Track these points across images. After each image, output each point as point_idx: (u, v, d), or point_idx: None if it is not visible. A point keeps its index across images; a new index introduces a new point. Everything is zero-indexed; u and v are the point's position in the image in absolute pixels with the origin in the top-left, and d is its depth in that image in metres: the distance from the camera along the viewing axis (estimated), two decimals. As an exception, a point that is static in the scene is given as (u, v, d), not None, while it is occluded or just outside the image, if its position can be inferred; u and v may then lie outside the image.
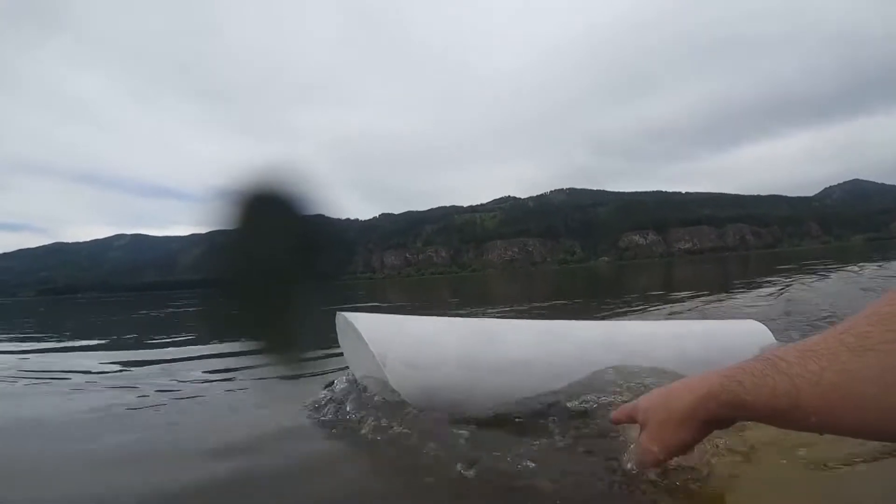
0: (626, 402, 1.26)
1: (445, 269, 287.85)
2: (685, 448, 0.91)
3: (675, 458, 0.96)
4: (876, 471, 1.09)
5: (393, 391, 1.60)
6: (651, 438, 0.94)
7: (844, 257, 13.85)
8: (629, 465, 1.06)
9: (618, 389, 1.61)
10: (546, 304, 7.72)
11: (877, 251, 16.63)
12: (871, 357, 0.64)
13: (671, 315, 4.52)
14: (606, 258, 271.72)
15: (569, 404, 1.59)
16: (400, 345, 1.66)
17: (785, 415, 0.73)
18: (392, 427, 1.51)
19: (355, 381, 1.88)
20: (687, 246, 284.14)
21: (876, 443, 1.10)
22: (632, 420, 1.03)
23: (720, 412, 0.81)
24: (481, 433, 1.43)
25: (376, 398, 1.66)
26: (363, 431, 1.54)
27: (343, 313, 1.82)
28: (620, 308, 5.55)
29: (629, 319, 4.21)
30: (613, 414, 1.11)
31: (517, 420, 1.58)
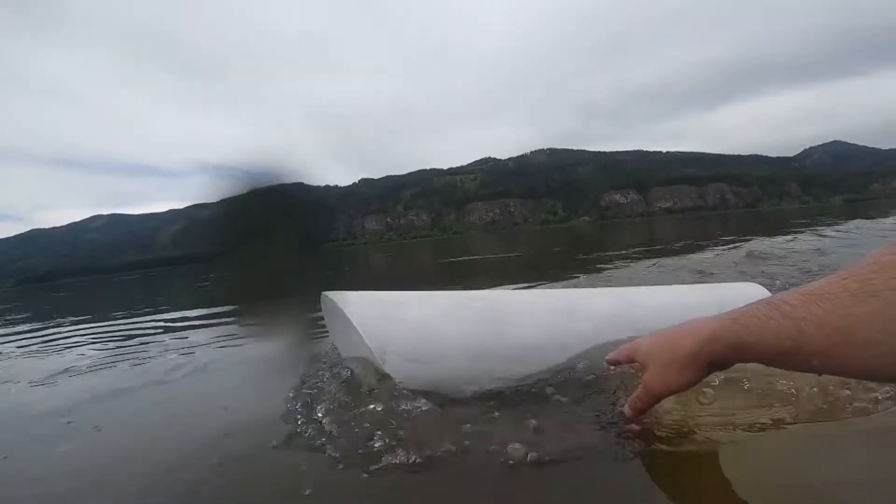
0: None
1: (427, 233, 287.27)
2: (686, 388, 0.94)
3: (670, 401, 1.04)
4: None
5: (382, 376, 1.41)
6: (653, 378, 0.97)
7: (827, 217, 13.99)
8: (624, 409, 1.09)
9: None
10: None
11: (857, 211, 16.72)
12: (874, 302, 0.68)
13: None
14: (588, 217, 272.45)
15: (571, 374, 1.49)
16: (399, 336, 1.47)
17: (788, 356, 0.76)
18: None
19: (340, 364, 1.75)
20: (667, 205, 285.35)
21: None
22: (630, 361, 1.07)
23: (724, 353, 0.85)
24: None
25: (362, 390, 1.45)
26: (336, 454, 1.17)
27: (329, 294, 1.65)
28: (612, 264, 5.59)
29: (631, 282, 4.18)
30: (610, 355, 1.13)
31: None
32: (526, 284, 4.44)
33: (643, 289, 2.01)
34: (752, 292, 1.92)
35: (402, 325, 1.50)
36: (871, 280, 0.69)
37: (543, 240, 19.80)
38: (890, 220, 9.31)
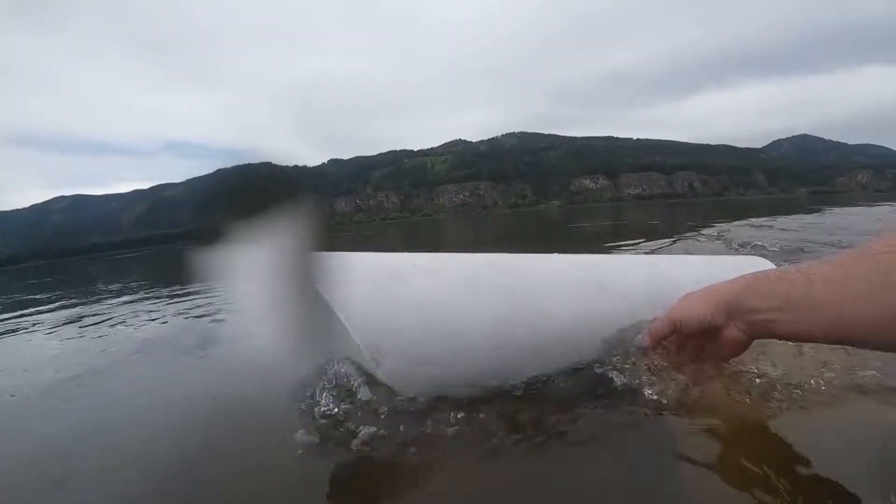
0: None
1: (396, 215, 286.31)
2: (700, 319, 0.93)
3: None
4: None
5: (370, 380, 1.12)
6: (674, 307, 0.99)
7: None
8: (639, 338, 1.09)
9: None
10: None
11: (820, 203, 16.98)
12: (871, 263, 0.75)
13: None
14: (557, 202, 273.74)
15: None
16: (401, 327, 1.08)
17: (797, 308, 0.82)
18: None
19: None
20: (636, 191, 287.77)
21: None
22: (673, 329, 1.00)
23: (741, 294, 0.89)
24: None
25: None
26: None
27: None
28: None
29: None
30: (647, 337, 1.06)
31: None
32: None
33: (672, 259, 1.80)
34: (758, 265, 1.64)
35: (405, 311, 1.10)
36: (870, 246, 0.76)
37: (517, 224, 19.84)
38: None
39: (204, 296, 4.00)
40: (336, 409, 1.12)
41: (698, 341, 0.99)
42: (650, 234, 7.15)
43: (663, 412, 1.06)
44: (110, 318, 3.45)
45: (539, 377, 1.19)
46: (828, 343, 0.85)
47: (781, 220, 7.58)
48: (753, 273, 0.90)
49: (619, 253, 4.87)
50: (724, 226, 7.28)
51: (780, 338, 0.89)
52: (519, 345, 1.16)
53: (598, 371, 1.19)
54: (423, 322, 1.09)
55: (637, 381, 1.13)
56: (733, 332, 0.92)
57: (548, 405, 1.12)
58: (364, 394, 1.11)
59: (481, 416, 1.09)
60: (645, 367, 1.12)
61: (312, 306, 1.10)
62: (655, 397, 1.09)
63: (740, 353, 0.96)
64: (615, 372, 1.16)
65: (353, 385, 1.14)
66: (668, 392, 1.09)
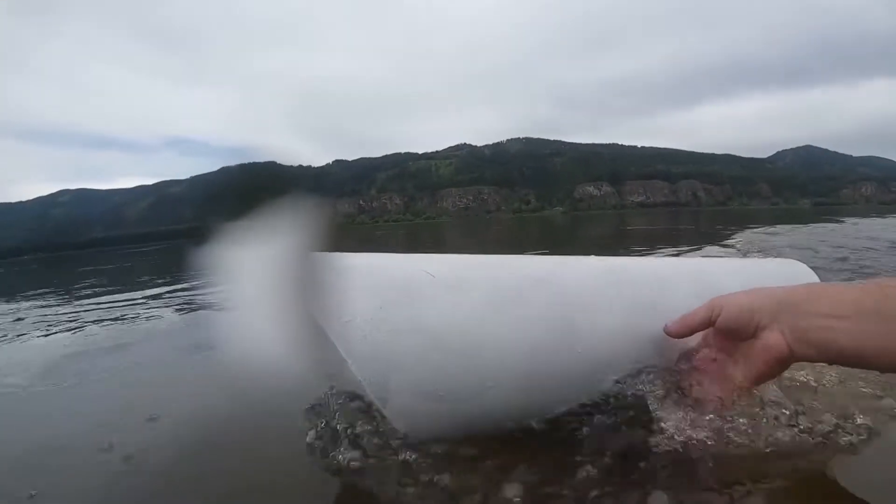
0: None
1: (400, 217, 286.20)
2: (737, 312, 0.81)
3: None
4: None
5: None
6: (715, 298, 0.87)
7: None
8: (667, 325, 0.92)
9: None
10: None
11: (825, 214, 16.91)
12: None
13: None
14: (561, 208, 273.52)
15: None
16: (413, 357, 0.87)
17: (827, 319, 0.72)
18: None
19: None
20: (640, 199, 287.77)
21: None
22: (710, 316, 0.86)
23: (802, 294, 0.78)
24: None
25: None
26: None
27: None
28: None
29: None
30: (676, 324, 0.92)
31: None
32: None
33: (718, 264, 1.45)
34: (795, 269, 1.43)
35: (417, 336, 0.88)
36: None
37: (522, 230, 19.79)
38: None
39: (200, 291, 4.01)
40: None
41: (728, 347, 0.86)
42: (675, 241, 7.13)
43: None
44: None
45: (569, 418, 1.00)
46: (893, 369, 0.71)
47: (809, 230, 7.56)
48: (819, 283, 0.79)
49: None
50: (749, 234, 7.12)
51: (832, 356, 0.73)
52: (555, 377, 0.96)
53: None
54: (440, 351, 0.88)
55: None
56: (775, 337, 0.76)
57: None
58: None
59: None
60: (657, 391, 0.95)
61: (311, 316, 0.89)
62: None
63: (774, 373, 0.80)
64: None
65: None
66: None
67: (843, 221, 9.92)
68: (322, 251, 0.91)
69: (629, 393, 0.98)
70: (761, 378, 0.81)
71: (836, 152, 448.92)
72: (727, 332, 0.85)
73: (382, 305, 0.88)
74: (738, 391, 0.85)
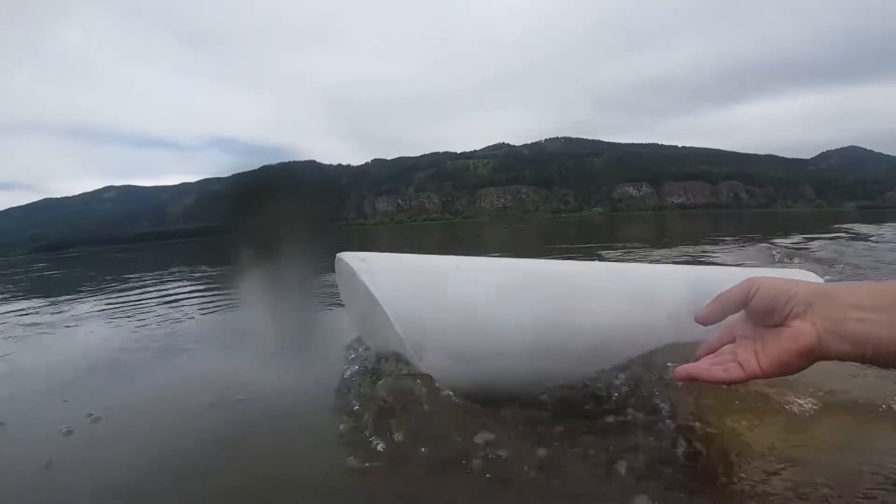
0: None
1: (437, 216, 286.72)
2: (774, 293, 0.78)
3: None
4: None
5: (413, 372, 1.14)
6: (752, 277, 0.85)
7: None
8: (703, 312, 0.91)
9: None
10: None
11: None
12: None
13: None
14: (600, 209, 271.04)
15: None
16: (442, 325, 1.14)
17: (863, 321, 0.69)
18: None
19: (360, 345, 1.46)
20: (680, 200, 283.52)
21: None
22: (747, 295, 0.84)
23: (840, 287, 0.76)
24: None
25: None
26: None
27: (346, 257, 1.26)
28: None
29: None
30: (711, 308, 0.90)
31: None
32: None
33: (715, 269, 1.61)
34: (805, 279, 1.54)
35: (445, 311, 1.16)
36: None
37: (560, 230, 19.72)
38: None
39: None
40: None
41: (753, 332, 0.84)
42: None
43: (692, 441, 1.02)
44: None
45: (570, 387, 1.23)
46: None
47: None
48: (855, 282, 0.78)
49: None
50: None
51: (868, 351, 0.69)
52: (556, 348, 1.20)
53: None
54: (462, 320, 1.15)
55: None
56: (805, 328, 0.74)
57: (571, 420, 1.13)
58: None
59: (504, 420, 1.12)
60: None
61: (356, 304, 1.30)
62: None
63: (795, 366, 0.76)
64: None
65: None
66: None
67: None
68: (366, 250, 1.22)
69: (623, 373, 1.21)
70: (781, 369, 0.78)
71: (880, 153, 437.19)
72: (759, 313, 0.82)
73: (421, 285, 1.18)
74: (752, 379, 0.81)
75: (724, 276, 1.46)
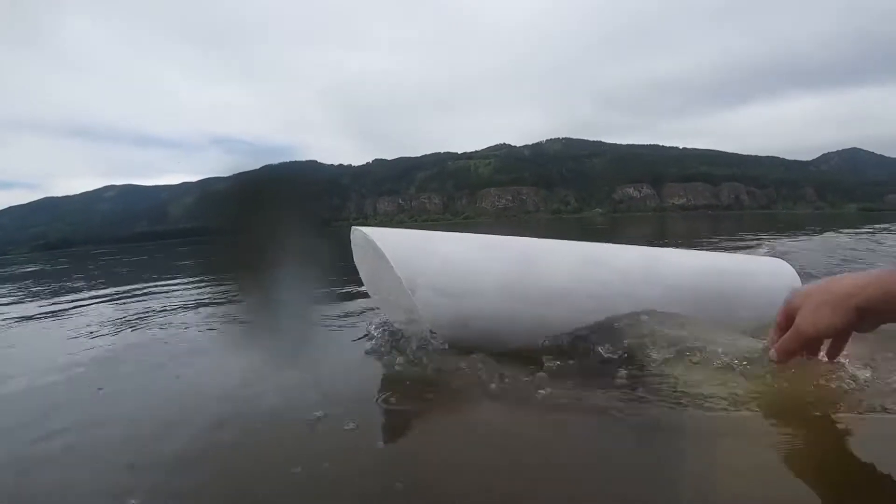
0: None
1: (438, 217, 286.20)
2: (833, 332, 0.94)
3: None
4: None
5: (413, 318, 1.50)
6: (803, 319, 0.95)
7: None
8: (771, 354, 1.06)
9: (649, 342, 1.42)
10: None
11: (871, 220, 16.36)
12: None
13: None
14: (600, 210, 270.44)
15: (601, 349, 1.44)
16: (430, 268, 1.48)
17: None
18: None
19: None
20: (681, 202, 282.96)
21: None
22: (805, 345, 1.01)
23: (878, 296, 0.85)
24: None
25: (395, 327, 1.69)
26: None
27: (361, 229, 1.62)
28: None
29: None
30: (777, 355, 1.05)
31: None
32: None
33: (671, 250, 2.07)
34: (779, 268, 1.87)
35: (433, 258, 1.51)
36: None
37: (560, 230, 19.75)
38: None
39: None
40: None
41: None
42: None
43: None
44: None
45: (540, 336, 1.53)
46: None
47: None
48: (891, 271, 0.86)
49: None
50: None
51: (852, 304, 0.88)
52: (520, 291, 1.52)
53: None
54: (446, 266, 1.50)
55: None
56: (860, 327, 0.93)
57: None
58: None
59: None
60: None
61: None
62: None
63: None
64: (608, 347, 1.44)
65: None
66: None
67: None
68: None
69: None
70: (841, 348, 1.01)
71: (882, 156, 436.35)
72: (872, 311, 0.91)
73: (415, 246, 1.58)
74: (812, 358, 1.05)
75: (676, 256, 1.94)
